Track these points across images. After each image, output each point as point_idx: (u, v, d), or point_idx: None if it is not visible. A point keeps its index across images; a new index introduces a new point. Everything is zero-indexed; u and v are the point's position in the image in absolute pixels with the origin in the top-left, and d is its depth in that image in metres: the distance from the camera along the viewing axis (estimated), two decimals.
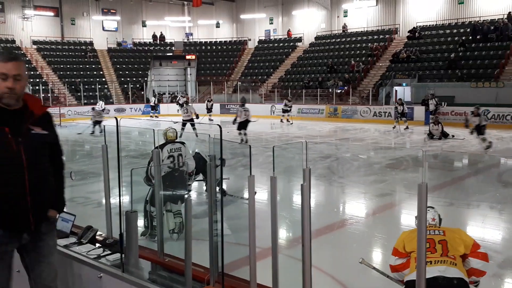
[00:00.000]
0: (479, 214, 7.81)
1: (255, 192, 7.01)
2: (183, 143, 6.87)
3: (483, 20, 27.74)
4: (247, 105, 17.34)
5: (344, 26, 34.84)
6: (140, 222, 6.31)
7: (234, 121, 16.44)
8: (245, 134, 15.97)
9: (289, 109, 25.02)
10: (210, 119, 25.12)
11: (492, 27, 26.50)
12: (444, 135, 16.68)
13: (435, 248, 3.33)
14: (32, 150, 2.60)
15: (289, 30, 37.89)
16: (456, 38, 27.83)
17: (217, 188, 8.26)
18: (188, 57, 37.83)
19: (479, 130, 14.23)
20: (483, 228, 7.01)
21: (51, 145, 2.78)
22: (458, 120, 21.39)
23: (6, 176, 2.52)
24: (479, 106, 15.67)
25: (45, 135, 2.69)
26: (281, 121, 24.96)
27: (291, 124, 24.10)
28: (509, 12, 27.05)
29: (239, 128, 15.93)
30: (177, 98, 29.74)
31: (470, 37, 27.09)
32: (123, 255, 3.19)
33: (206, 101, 27.68)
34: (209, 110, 26.54)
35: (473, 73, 24.52)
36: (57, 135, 2.84)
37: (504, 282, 5.21)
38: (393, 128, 20.54)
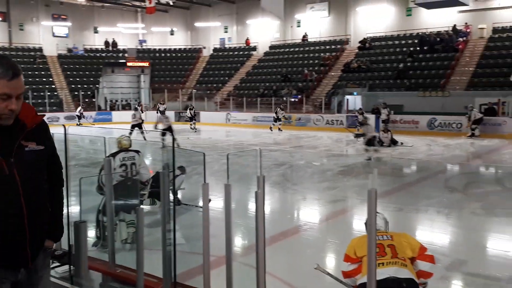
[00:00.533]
0: (427, 218, 8.08)
1: (210, 200, 6.99)
2: (137, 151, 6.76)
3: (430, 32, 28.90)
4: (167, 113, 20.48)
5: (305, 36, 35.23)
6: (92, 233, 6.15)
7: (155, 127, 18.19)
8: (174, 139, 16.55)
9: (281, 118, 24.46)
10: (193, 128, 24.47)
11: (438, 39, 27.64)
12: (393, 142, 17.19)
13: (385, 251, 3.42)
14: (28, 171, 2.19)
15: (247, 39, 38.04)
16: (404, 49, 28.85)
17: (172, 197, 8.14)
18: (138, 64, 37.22)
19: (368, 140, 14.40)
20: (431, 232, 7.25)
21: (48, 159, 2.36)
22: (406, 128, 22.14)
23: (0, 205, 2.12)
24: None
25: (41, 151, 2.25)
26: (271, 129, 24.29)
27: (281, 131, 23.91)
28: (454, 25, 28.33)
29: (163, 134, 17.11)
30: (157, 106, 28.93)
31: (418, 48, 28.15)
32: (72, 267, 3.10)
33: (188, 109, 25.96)
34: (192, 118, 25.24)
35: (421, 82, 25.46)
36: (54, 147, 2.42)
37: (452, 284, 5.40)
38: (355, 136, 20.61)
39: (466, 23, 28.73)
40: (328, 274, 4.15)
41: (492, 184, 11.27)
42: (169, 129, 17.47)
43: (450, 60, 26.27)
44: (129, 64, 37.09)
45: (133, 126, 18.75)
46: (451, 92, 23.58)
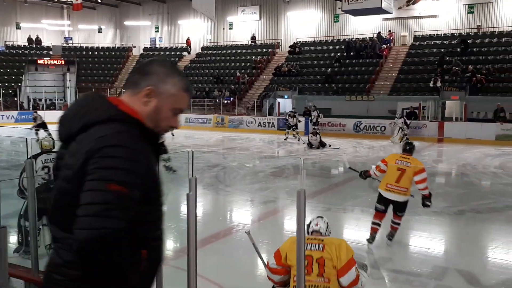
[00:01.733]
0: (353, 218, 8.39)
1: None
2: None
3: (356, 38, 30.03)
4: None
5: (253, 37, 34.90)
6: (14, 238, 5.84)
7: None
8: (49, 134, 17.70)
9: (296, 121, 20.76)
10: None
11: (363, 45, 28.77)
12: (322, 144, 17.68)
13: (312, 268, 3.40)
14: None
15: (188, 38, 37.24)
16: (332, 54, 29.74)
17: None
18: (52, 62, 35.44)
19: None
20: (357, 231, 7.53)
21: None
22: (334, 131, 22.83)
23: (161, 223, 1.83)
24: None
25: None
26: (287, 137, 20.88)
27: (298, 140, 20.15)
28: (379, 32, 29.63)
29: (36, 132, 18.51)
30: None
31: (345, 54, 29.12)
32: None
33: None
34: None
35: (347, 87, 26.35)
36: None
37: (376, 280, 5.64)
38: (285, 139, 20.47)
39: (389, 31, 30.18)
40: (254, 245, 4.10)
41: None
42: (42, 125, 18.70)
43: (375, 66, 27.42)
44: (40, 62, 35.14)
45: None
46: (375, 96, 24.61)
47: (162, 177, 1.81)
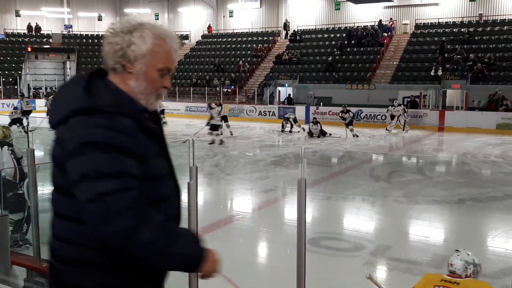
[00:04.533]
0: (354, 206, 8.41)
1: None
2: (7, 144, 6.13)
3: (357, 26, 29.85)
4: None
5: (286, 22, 33.69)
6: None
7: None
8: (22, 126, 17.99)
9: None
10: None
11: (365, 33, 28.61)
12: (323, 133, 17.66)
13: None
14: None
15: (209, 26, 36.64)
16: (333, 42, 29.56)
17: None
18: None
19: (213, 126, 16.10)
20: (357, 220, 7.55)
21: None
22: (335, 120, 22.77)
23: None
24: None
25: None
26: (284, 129, 19.68)
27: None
28: (380, 20, 29.45)
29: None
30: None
31: (346, 42, 28.97)
32: None
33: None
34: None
35: (348, 75, 26.26)
36: None
37: (376, 268, 5.67)
38: (282, 131, 19.86)
39: (391, 19, 29.99)
40: (377, 284, 3.64)
41: (414, 173, 11.92)
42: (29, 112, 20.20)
43: (376, 54, 27.29)
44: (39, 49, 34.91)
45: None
46: (376, 85, 24.52)
47: None
